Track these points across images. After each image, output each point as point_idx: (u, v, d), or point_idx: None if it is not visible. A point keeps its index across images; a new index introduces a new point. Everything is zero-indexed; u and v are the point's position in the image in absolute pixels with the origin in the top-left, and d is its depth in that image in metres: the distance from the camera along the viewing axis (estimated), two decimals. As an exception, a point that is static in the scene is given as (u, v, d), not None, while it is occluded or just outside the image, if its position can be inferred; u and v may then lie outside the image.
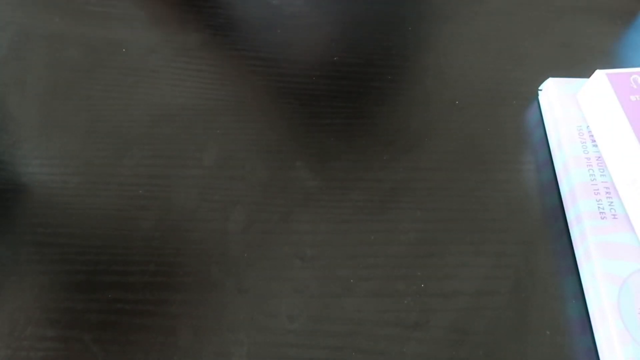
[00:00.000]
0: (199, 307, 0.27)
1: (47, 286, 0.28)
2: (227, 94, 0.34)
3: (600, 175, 0.30)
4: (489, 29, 0.39)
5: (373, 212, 0.30)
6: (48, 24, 0.35)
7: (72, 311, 0.27)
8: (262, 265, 0.28)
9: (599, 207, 0.29)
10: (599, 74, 0.30)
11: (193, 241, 0.29)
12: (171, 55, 0.35)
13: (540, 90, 0.35)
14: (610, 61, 0.36)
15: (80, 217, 0.30)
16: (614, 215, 0.28)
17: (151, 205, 0.30)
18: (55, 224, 0.29)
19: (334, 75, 0.36)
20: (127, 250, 0.29)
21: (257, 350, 0.26)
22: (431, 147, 0.32)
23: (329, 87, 0.35)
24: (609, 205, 0.29)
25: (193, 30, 0.36)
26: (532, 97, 0.35)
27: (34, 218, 0.30)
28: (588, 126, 0.32)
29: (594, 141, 0.31)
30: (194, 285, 0.28)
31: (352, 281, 0.28)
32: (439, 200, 0.31)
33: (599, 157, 0.30)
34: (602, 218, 0.28)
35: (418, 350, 0.26)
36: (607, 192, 0.29)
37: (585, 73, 0.36)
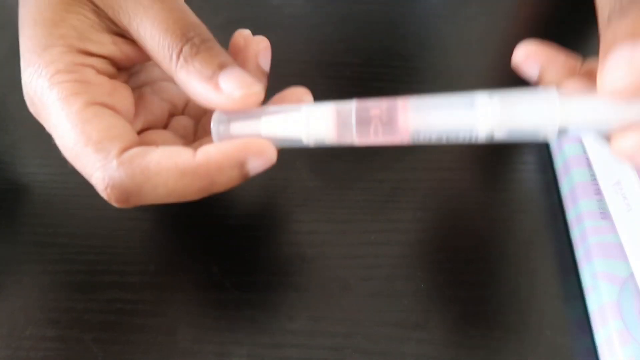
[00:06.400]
0: (199, 307, 0.27)
1: (47, 286, 0.28)
2: (227, 94, 0.34)
3: (601, 175, 0.30)
4: (488, 29, 0.39)
5: (373, 212, 0.30)
6: (48, 24, 0.35)
7: (72, 311, 0.27)
8: (263, 265, 0.28)
9: (599, 207, 0.29)
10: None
11: (193, 241, 0.29)
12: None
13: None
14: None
15: (80, 217, 0.30)
16: (614, 215, 0.28)
17: (151, 205, 0.30)
18: (55, 224, 0.29)
19: (334, 75, 0.36)
20: (127, 250, 0.29)
21: (257, 350, 0.26)
22: (431, 147, 0.32)
23: (328, 87, 0.35)
24: (609, 205, 0.29)
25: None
26: (532, 97, 0.35)
27: (34, 218, 0.30)
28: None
29: (594, 141, 0.31)
30: (193, 285, 0.28)
31: (352, 281, 0.28)
32: (439, 200, 0.31)
33: (599, 157, 0.30)
34: (603, 218, 0.28)
35: (418, 350, 0.26)
36: (607, 192, 0.29)
37: (586, 73, 0.36)
